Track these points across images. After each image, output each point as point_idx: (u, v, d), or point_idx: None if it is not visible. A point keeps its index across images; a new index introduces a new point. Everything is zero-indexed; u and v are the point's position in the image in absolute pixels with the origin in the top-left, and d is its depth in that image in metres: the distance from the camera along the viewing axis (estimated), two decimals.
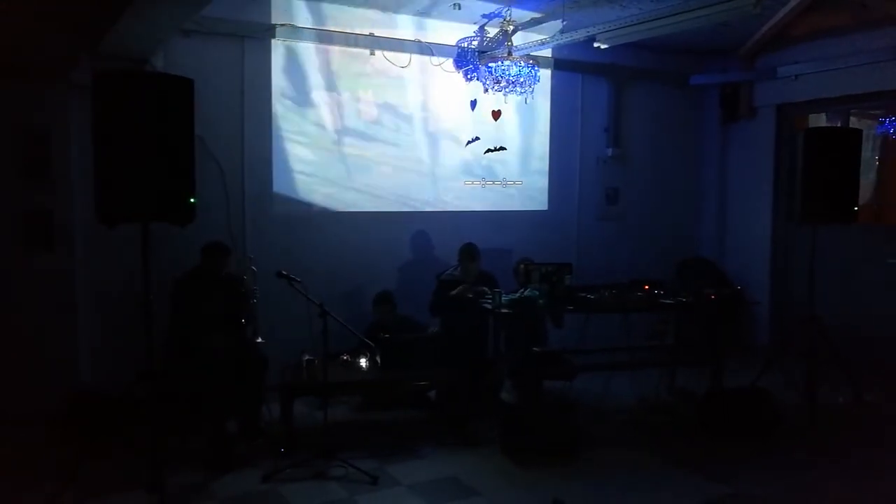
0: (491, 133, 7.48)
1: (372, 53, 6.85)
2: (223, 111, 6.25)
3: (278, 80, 6.51)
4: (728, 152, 8.72)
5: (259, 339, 5.48)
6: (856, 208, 5.86)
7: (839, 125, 7.67)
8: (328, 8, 6.58)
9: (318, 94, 6.71)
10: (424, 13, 6.85)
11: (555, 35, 6.66)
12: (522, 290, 5.74)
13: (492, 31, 6.98)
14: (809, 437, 5.35)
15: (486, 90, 6.61)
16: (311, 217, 6.72)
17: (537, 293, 5.58)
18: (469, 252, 6.23)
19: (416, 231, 7.17)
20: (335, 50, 6.72)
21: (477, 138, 7.40)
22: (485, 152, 7.48)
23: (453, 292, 6.05)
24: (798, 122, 8.22)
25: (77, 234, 5.69)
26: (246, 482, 4.47)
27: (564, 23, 6.48)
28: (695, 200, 8.87)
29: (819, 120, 8.23)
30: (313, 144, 6.71)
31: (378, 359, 5.44)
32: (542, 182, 7.87)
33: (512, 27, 6.53)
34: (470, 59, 7.15)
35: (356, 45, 6.76)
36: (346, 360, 5.49)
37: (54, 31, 5.03)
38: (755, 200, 8.39)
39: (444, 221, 7.25)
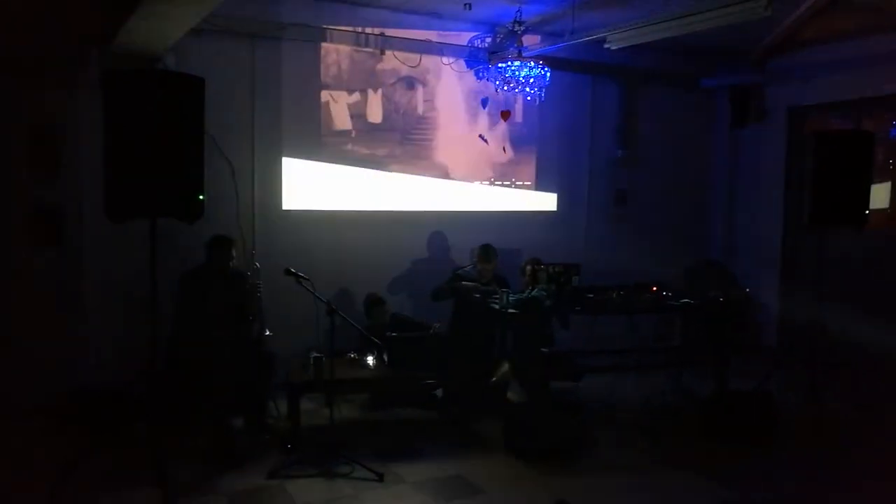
0: (500, 133, 7.49)
1: (382, 53, 6.88)
2: (234, 109, 6.28)
3: (288, 78, 6.54)
4: (738, 155, 8.69)
5: (267, 332, 5.49)
6: (867, 212, 5.83)
7: (851, 128, 7.62)
8: (339, 7, 6.60)
9: (328, 93, 6.74)
10: (435, 13, 6.87)
11: (565, 36, 6.65)
12: (530, 290, 5.74)
13: (502, 32, 6.99)
14: (814, 442, 5.33)
15: (497, 90, 6.62)
16: (320, 215, 6.74)
17: (544, 294, 5.58)
18: (486, 253, 6.22)
19: (425, 231, 7.18)
20: (345, 49, 6.75)
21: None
22: (503, 150, 7.49)
23: (464, 282, 6.03)
24: (809, 125, 8.18)
25: (85, 230, 5.73)
26: (252, 478, 4.49)
27: (574, 24, 6.47)
28: (704, 202, 8.85)
29: (830, 123, 8.19)
30: (323, 143, 6.74)
31: (385, 357, 5.46)
32: (552, 183, 7.86)
33: (522, 28, 6.53)
34: (481, 59, 7.17)
35: (366, 44, 6.78)
36: (353, 357, 5.51)
37: (66, 28, 5.07)
38: (765, 203, 8.36)
39: (454, 221, 7.26)
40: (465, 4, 6.44)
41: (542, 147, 7.78)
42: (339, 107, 6.80)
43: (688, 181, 8.69)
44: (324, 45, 6.65)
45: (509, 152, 7.57)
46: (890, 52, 6.90)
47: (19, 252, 5.56)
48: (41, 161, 5.61)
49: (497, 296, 5.68)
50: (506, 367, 5.59)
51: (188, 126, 3.71)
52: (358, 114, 6.87)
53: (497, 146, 7.50)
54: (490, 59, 7.05)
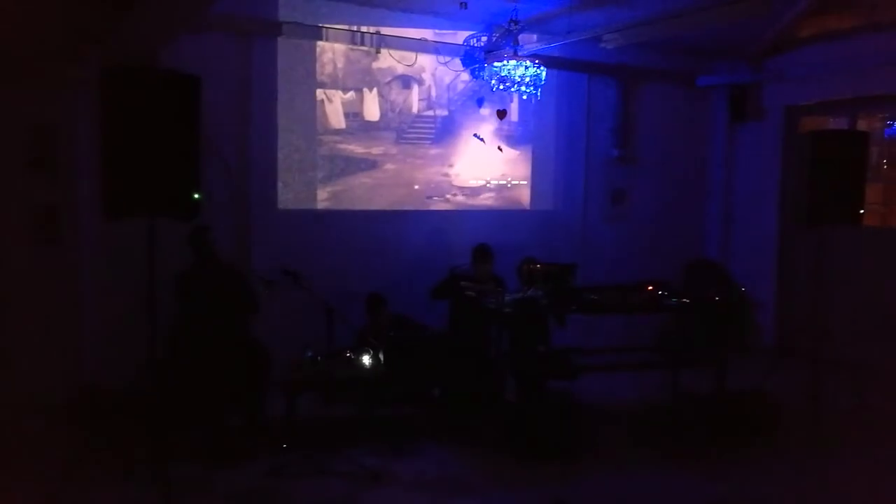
0: (497, 132, 7.49)
1: (378, 51, 6.87)
2: (230, 108, 6.26)
3: (285, 77, 6.52)
4: (735, 153, 8.70)
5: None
6: (861, 210, 5.84)
7: (847, 127, 7.64)
8: (335, 6, 6.59)
9: (324, 92, 6.73)
10: (431, 11, 6.86)
11: (561, 35, 6.65)
12: (526, 289, 5.74)
13: (499, 31, 6.99)
14: (812, 439, 5.33)
15: (493, 89, 6.62)
16: (316, 214, 6.73)
17: (541, 293, 5.58)
18: (482, 253, 6.20)
19: (421, 230, 7.17)
20: (341, 48, 6.74)
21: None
22: (499, 149, 7.50)
23: (464, 282, 6.02)
24: (806, 123, 8.19)
25: (82, 229, 5.71)
26: (248, 477, 4.49)
27: (571, 23, 6.48)
28: (701, 201, 8.84)
29: (827, 122, 8.20)
30: (319, 142, 6.74)
31: (381, 356, 5.45)
32: (548, 182, 7.86)
33: (518, 27, 6.53)
34: (477, 58, 7.17)
35: (362, 43, 6.78)
36: (350, 356, 5.50)
37: (62, 26, 5.05)
38: (761, 201, 8.37)
39: (450, 221, 7.25)
40: (461, 3, 6.41)
41: (538, 146, 7.78)
42: (333, 106, 6.79)
43: (684, 180, 8.69)
44: (319, 43, 6.64)
45: (505, 151, 7.57)
46: (885, 52, 6.91)
47: (19, 252, 5.55)
48: (40, 161, 5.59)
49: (494, 295, 5.67)
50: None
51: (184, 124, 3.70)
52: (353, 112, 6.86)
53: (493, 145, 7.49)
54: (486, 58, 7.04)
